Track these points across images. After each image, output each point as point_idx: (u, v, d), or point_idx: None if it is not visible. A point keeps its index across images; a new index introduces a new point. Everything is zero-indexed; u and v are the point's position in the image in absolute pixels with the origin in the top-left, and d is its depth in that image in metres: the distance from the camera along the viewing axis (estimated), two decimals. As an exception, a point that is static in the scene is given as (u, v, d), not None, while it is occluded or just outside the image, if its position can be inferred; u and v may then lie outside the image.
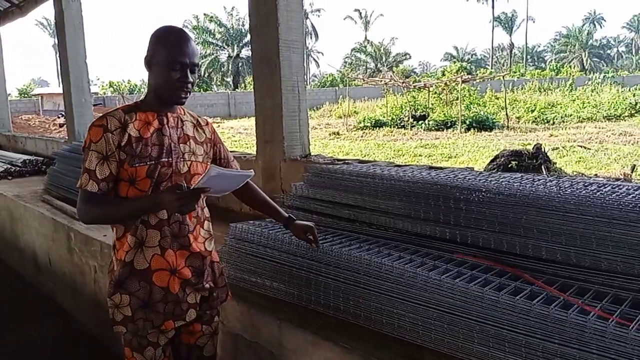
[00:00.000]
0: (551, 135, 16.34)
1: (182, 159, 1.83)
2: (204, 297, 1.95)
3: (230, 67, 48.86)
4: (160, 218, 1.80)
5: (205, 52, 47.71)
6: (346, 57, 62.65)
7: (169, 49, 1.74)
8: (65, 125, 10.89)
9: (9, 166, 7.05)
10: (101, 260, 3.60)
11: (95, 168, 1.73)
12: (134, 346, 1.85)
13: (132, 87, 41.15)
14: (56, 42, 7.37)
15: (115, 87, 38.33)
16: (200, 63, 1.81)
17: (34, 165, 7.16)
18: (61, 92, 8.14)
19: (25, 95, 38.98)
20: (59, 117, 27.17)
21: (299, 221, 2.20)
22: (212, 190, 1.71)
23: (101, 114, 1.82)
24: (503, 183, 2.26)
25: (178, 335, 1.95)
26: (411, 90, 25.01)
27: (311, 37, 61.07)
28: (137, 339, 1.83)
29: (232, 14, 50.20)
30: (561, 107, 22.83)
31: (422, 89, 24.86)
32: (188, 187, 1.70)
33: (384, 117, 23.23)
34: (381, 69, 51.86)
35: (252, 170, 1.79)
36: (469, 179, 2.40)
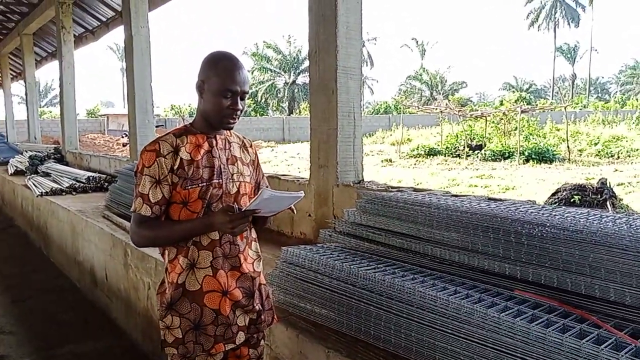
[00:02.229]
0: (616, 170, 15.57)
1: (231, 180, 1.87)
2: (251, 320, 1.94)
3: (286, 93, 49.77)
4: (212, 239, 1.82)
5: (263, 78, 48.90)
6: (401, 85, 62.65)
7: (221, 77, 1.77)
8: (128, 145, 11.36)
9: (74, 182, 7.37)
10: (155, 278, 3.67)
11: (148, 192, 1.77)
12: None
13: (192, 110, 42.67)
14: (124, 65, 7.74)
15: (176, 109, 39.85)
16: (254, 90, 1.80)
17: (97, 182, 7.46)
18: (126, 113, 8.51)
19: (93, 116, 41.13)
20: (122, 137, 28.47)
21: None
22: (263, 211, 1.73)
23: (154, 139, 1.87)
24: (568, 218, 2.14)
25: (225, 359, 1.94)
26: (467, 119, 24.62)
27: (367, 65, 61.54)
28: None
29: (290, 42, 51.40)
30: (627, 140, 21.77)
31: (478, 118, 24.42)
32: (239, 209, 1.73)
33: (438, 145, 22.92)
34: (436, 97, 51.43)
35: (302, 191, 1.79)
36: (532, 212, 2.29)
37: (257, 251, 1.99)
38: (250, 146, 2.05)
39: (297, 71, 50.05)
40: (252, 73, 46.77)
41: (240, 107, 1.81)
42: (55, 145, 12.51)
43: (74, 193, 7.09)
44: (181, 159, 1.78)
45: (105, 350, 4.06)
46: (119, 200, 5.50)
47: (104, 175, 7.71)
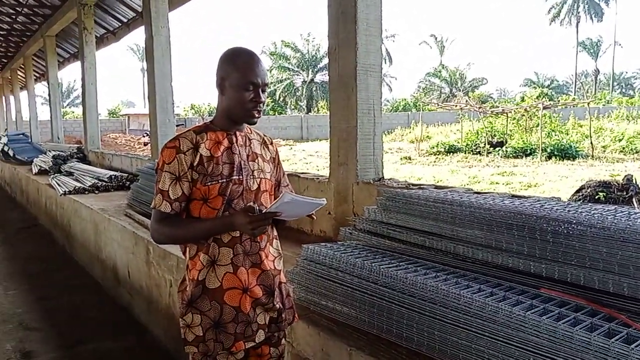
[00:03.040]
0: (641, 166, 15.27)
1: (251, 177, 1.87)
2: (272, 319, 1.93)
3: (304, 92, 49.82)
4: (233, 236, 1.82)
5: (281, 77, 49.03)
6: (420, 82, 62.18)
7: (241, 71, 1.79)
8: (149, 144, 11.48)
9: (96, 181, 7.47)
10: (176, 275, 3.69)
11: (168, 189, 1.78)
12: None
13: (211, 109, 43.01)
14: (144, 66, 7.83)
15: (196, 109, 40.20)
16: (272, 89, 1.83)
17: (118, 181, 7.55)
18: (146, 112, 8.60)
19: (114, 115, 41.71)
20: (143, 136, 28.83)
21: None
22: (283, 215, 1.73)
23: (174, 136, 1.87)
24: (595, 215, 2.10)
25: (246, 358, 1.93)
26: (488, 115, 24.35)
27: (385, 62, 61.27)
28: (207, 359, 1.83)
29: (308, 40, 51.41)
30: (652, 136, 21.33)
31: (499, 115, 24.13)
32: (260, 210, 1.73)
33: (458, 142, 22.73)
34: (456, 94, 50.96)
35: (324, 199, 1.77)
36: (557, 209, 2.24)
37: (278, 249, 1.99)
38: (271, 143, 2.05)
39: (315, 69, 50.05)
40: (271, 72, 46.86)
41: (262, 99, 1.83)
42: (78, 145, 12.71)
43: (96, 192, 7.18)
44: (201, 155, 1.79)
45: (128, 348, 4.10)
46: (141, 199, 5.55)
47: (126, 174, 7.80)
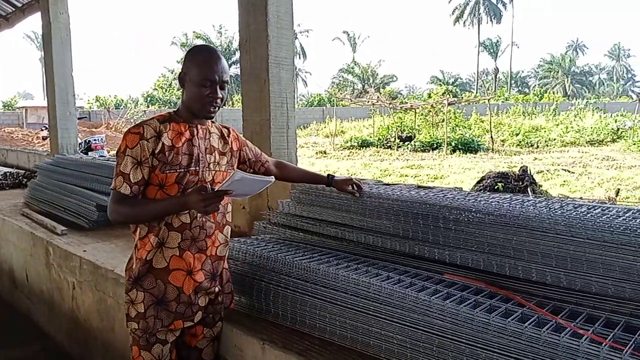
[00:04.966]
0: (535, 159, 16.51)
1: (207, 169, 1.99)
2: (210, 300, 2.07)
3: (218, 85, 48.73)
4: (183, 222, 1.93)
5: (193, 69, 47.57)
6: (334, 78, 63.16)
7: (200, 68, 1.89)
8: (48, 138, 10.74)
9: (-11, 179, 6.90)
10: (80, 277, 3.49)
11: (129, 172, 1.86)
12: (142, 344, 1.96)
13: (118, 102, 40.93)
14: (42, 55, 7.31)
15: (101, 101, 38.09)
16: (228, 80, 1.92)
17: (14, 178, 7.03)
18: (46, 105, 8.04)
19: (9, 108, 38.53)
20: (42, 130, 26.87)
21: (338, 177, 2.47)
22: (234, 193, 1.82)
23: (137, 123, 1.95)
24: (493, 203, 2.24)
25: (181, 337, 2.05)
26: (398, 111, 25.20)
27: (300, 57, 61.54)
28: (147, 336, 1.94)
29: (220, 32, 50.47)
30: (545, 131, 23.13)
31: (408, 111, 25.06)
32: (212, 189, 1.85)
33: (370, 137, 23.34)
34: (368, 89, 52.28)
35: (272, 177, 1.91)
36: (458, 198, 2.37)
37: (227, 236, 2.10)
38: (229, 134, 2.15)
39: (229, 62, 49.27)
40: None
41: (219, 95, 1.92)
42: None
43: (-12, 190, 6.63)
44: (163, 144, 1.88)
45: (31, 356, 3.83)
46: (40, 197, 5.19)
47: (23, 171, 7.26)
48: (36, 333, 4.19)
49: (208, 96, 1.89)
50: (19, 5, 10.05)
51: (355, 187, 2.47)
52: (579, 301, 1.84)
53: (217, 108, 1.95)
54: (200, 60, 1.90)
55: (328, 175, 2.49)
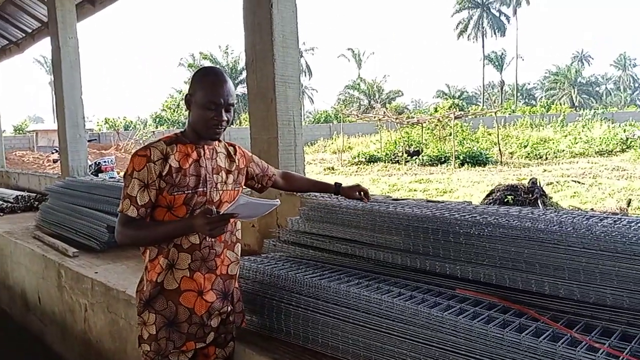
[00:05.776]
0: (545, 171, 16.41)
1: (215, 189, 1.99)
2: (222, 320, 2.06)
3: (225, 104, 49.07)
4: (192, 243, 1.93)
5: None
6: (340, 94, 63.38)
7: (205, 90, 1.90)
8: (59, 161, 10.85)
9: (1, 202, 6.97)
10: (92, 299, 3.50)
11: (136, 194, 1.86)
12: None
13: (127, 123, 41.30)
14: (52, 79, 7.42)
15: (110, 123, 38.46)
16: (234, 102, 1.97)
17: (26, 202, 7.09)
18: (56, 128, 8.13)
19: (20, 132, 39.00)
20: (52, 153, 27.12)
21: (346, 185, 2.50)
22: (240, 215, 1.83)
23: (144, 145, 1.96)
24: (503, 216, 2.23)
25: (193, 358, 2.03)
26: (404, 126, 25.23)
27: (305, 75, 61.91)
28: (159, 358, 1.94)
29: (227, 52, 50.98)
30: (553, 142, 23.02)
31: (415, 125, 25.07)
32: (218, 212, 1.82)
33: (378, 152, 23.34)
34: (374, 105, 52.43)
35: (278, 200, 1.88)
36: (468, 212, 2.36)
37: (237, 254, 2.09)
38: (235, 153, 2.15)
39: (236, 82, 49.68)
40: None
41: (224, 118, 1.92)
42: (-21, 164, 11.76)
43: (1, 214, 6.69)
44: (170, 166, 1.89)
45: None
46: (51, 220, 5.23)
47: (34, 194, 7.33)
48: (49, 355, 4.19)
49: (213, 119, 1.90)
50: (29, 31, 10.25)
51: (362, 193, 2.50)
52: (593, 314, 1.81)
53: (222, 129, 1.96)
54: (206, 83, 1.91)
55: (335, 183, 2.53)
